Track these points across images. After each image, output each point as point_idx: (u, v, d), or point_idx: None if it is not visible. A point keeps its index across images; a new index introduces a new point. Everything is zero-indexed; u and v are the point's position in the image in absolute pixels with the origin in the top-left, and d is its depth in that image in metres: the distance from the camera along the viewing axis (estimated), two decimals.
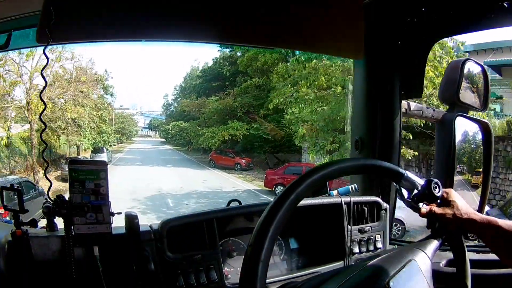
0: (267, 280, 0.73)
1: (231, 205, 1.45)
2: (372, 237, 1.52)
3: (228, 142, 25.24)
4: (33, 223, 1.18)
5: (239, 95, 26.81)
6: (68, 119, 19.48)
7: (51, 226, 1.23)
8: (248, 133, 24.14)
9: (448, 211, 0.92)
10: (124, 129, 41.09)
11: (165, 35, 1.50)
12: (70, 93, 19.94)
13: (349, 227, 1.47)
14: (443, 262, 1.42)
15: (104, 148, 24.92)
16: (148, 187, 16.04)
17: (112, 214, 1.20)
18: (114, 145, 38.68)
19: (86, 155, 24.01)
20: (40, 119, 1.71)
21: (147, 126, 59.04)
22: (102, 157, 23.21)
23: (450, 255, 1.22)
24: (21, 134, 19.47)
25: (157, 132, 54.27)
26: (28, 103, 17.27)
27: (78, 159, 1.61)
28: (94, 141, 23.06)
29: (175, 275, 1.24)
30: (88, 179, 1.17)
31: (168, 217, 1.30)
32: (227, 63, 31.22)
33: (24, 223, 1.17)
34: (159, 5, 1.30)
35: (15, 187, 1.19)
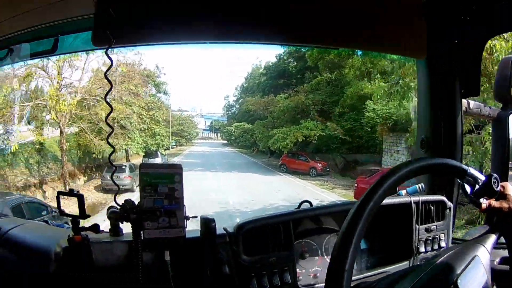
0: None
1: (302, 206, 1.45)
2: (437, 236, 1.54)
3: (298, 144, 22.82)
4: (95, 228, 1.25)
5: (310, 92, 24.58)
6: (105, 119, 17.21)
7: (115, 231, 1.28)
8: (324, 134, 21.73)
9: (504, 204, 0.94)
10: (183, 131, 40.26)
11: (229, 37, 1.51)
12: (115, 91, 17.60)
13: (417, 226, 1.50)
14: (497, 260, 1.32)
15: (159, 152, 22.74)
16: (211, 199, 13.27)
17: (187, 217, 1.22)
18: (172, 147, 37.10)
19: (137, 160, 21.53)
20: (106, 122, 1.60)
21: (208, 128, 59.79)
22: (156, 161, 21.09)
23: (504, 253, 1.18)
24: (56, 138, 17.77)
25: (219, 134, 54.45)
26: (52, 99, 15.32)
27: (149, 164, 1.40)
28: (145, 144, 20.92)
29: (249, 277, 1.27)
30: (162, 183, 1.19)
31: (244, 220, 1.32)
32: (293, 59, 30.00)
33: (85, 228, 1.23)
34: (221, 7, 1.36)
35: (75, 192, 1.23)
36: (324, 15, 1.44)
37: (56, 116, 15.73)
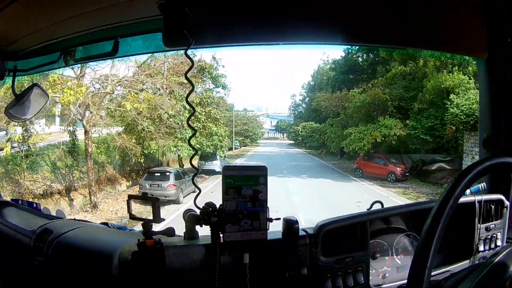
0: (404, 281, 0.96)
1: (374, 207, 1.48)
2: (494, 235, 1.57)
3: (374, 145, 21.06)
4: (170, 232, 1.25)
5: (385, 86, 22.92)
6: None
7: (191, 234, 1.29)
8: (404, 133, 19.88)
9: None
10: (247, 131, 39.98)
11: (300, 38, 1.54)
12: (158, 84, 15.47)
13: (479, 225, 1.53)
14: None
15: (217, 155, 20.26)
16: (277, 215, 9.00)
17: (270, 220, 1.24)
18: (236, 148, 36.08)
19: (192, 164, 19.10)
20: (188, 124, 1.59)
21: (273, 128, 60.35)
22: (214, 165, 19.51)
23: None
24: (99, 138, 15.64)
25: (285, 134, 54.62)
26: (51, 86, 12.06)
27: (233, 165, 1.32)
28: (199, 146, 18.15)
29: (324, 278, 1.31)
30: (246, 185, 1.21)
31: (323, 221, 1.35)
32: (361, 53, 29.17)
33: (157, 232, 1.22)
34: (294, 8, 1.40)
35: (149, 196, 1.23)
36: (386, 15, 1.49)
37: (70, 106, 13.03)
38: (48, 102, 1.84)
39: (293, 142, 45.77)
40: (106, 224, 1.86)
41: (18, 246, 1.67)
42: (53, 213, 1.94)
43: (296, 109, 48.11)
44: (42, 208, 1.97)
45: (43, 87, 1.78)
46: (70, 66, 1.78)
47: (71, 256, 1.50)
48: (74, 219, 1.93)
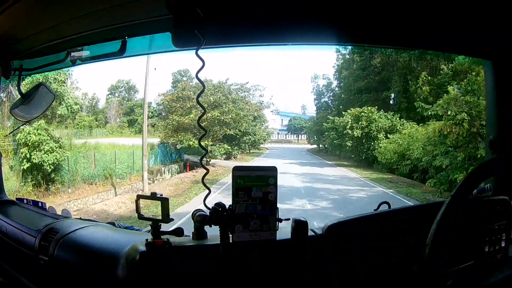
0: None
1: (381, 208, 1.97)
2: (499, 236, 1.95)
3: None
4: (179, 232, 1.65)
5: None
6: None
7: (200, 235, 1.68)
8: None
9: None
10: (226, 125, 30.26)
11: (304, 39, 2.04)
12: None
13: (484, 226, 1.92)
14: None
15: None
16: None
17: (280, 220, 1.59)
18: (195, 167, 25.87)
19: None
20: (199, 124, 1.93)
21: (285, 128, 60.02)
22: None
23: None
24: None
25: (302, 136, 53.86)
26: None
27: (243, 166, 1.64)
28: None
29: (332, 278, 1.70)
30: (256, 186, 1.54)
31: (332, 221, 1.78)
32: None
33: (166, 232, 1.60)
34: (300, 9, 1.82)
35: (158, 195, 1.57)
36: (392, 16, 1.88)
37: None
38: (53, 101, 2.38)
39: (317, 146, 43.07)
40: (113, 223, 2.33)
41: (23, 245, 2.11)
42: (59, 212, 2.43)
43: (319, 99, 46.21)
44: (47, 207, 2.45)
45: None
46: (77, 66, 2.31)
47: (77, 256, 1.88)
48: (80, 218, 2.39)
